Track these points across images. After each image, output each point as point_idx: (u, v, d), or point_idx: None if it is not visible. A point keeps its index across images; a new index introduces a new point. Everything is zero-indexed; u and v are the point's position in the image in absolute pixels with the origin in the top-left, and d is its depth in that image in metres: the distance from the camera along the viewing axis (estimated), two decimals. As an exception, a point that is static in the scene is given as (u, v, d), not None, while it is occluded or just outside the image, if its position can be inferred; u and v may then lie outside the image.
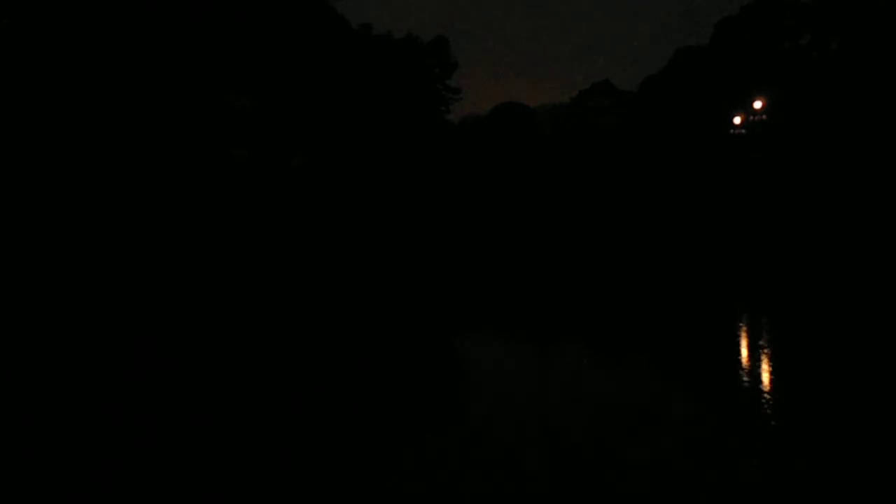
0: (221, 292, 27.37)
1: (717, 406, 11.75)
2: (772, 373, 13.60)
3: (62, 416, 10.82)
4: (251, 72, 44.59)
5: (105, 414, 10.96)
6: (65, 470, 8.73)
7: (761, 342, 17.23)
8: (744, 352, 16.05)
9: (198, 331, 19.01)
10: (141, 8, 36.63)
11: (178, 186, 37.47)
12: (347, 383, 13.18)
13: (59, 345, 16.41)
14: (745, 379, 13.24)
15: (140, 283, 28.13)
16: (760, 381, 13.00)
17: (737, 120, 55.43)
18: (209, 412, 11.21)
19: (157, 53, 37.13)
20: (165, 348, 16.29)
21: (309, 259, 40.35)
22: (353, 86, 52.48)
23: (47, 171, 31.62)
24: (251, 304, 24.54)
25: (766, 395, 12.04)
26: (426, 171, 59.72)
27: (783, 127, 50.45)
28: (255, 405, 11.59)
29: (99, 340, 17.01)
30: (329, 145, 50.87)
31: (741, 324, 20.82)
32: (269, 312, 22.53)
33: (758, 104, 52.96)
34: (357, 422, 10.76)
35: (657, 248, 49.10)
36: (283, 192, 45.79)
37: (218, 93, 42.30)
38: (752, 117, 54.63)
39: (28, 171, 30.98)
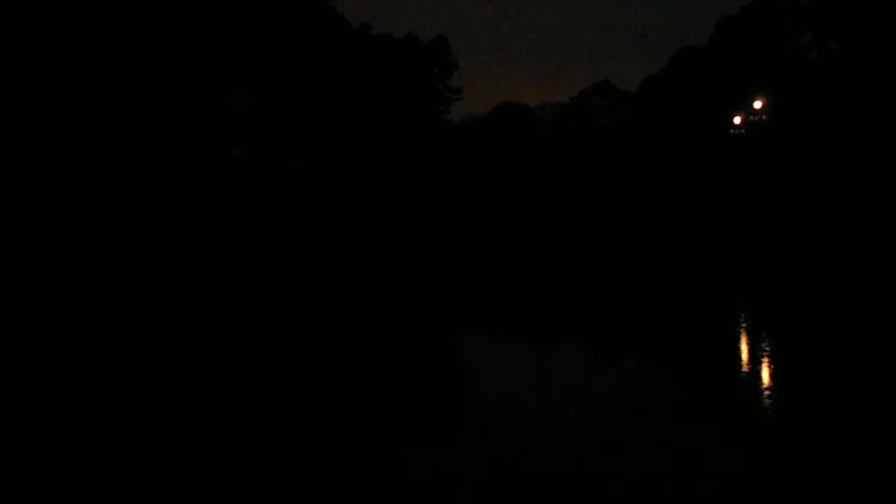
0: (221, 291, 27.34)
1: (717, 411, 11.73)
2: (771, 376, 13.58)
3: (61, 416, 10.80)
4: (251, 71, 44.54)
5: (104, 413, 10.94)
6: (64, 469, 8.71)
7: (761, 344, 17.20)
8: (744, 354, 16.02)
9: (198, 330, 18.98)
10: (142, 7, 36.60)
11: (178, 186, 37.44)
12: (347, 385, 13.16)
13: (59, 344, 16.38)
14: (745, 383, 13.21)
15: (140, 282, 28.09)
16: (760, 385, 12.98)
17: (737, 120, 55.39)
18: (208, 411, 11.19)
19: (157, 53, 37.09)
20: (165, 348, 16.26)
21: (309, 259, 40.32)
22: (352, 86, 52.42)
23: (48, 170, 31.59)
24: (251, 303, 24.51)
25: (765, 401, 12.02)
26: (426, 171, 59.64)
27: (783, 127, 50.40)
28: (252, 406, 11.56)
29: (99, 339, 16.98)
30: (328, 145, 50.81)
31: (741, 325, 20.79)
32: (269, 312, 22.51)
33: (758, 104, 52.91)
34: (356, 425, 10.74)
35: (657, 247, 49.07)
36: (283, 192, 45.75)
37: (218, 92, 42.26)
38: (752, 117, 54.59)
39: (28, 170, 30.95)
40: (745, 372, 14.04)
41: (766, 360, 15.11)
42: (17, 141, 30.98)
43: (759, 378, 13.48)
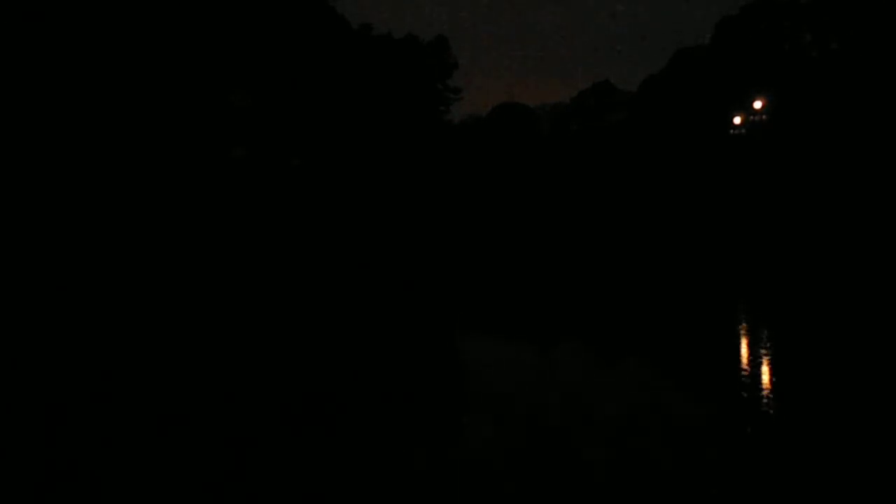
0: (220, 291, 27.35)
1: (718, 414, 11.73)
2: (771, 376, 13.58)
3: (59, 416, 10.80)
4: (251, 71, 44.55)
5: (103, 412, 10.94)
6: (62, 469, 8.72)
7: (760, 344, 17.21)
8: (743, 356, 16.01)
9: (197, 330, 18.98)
10: (142, 7, 36.62)
11: (178, 185, 37.45)
12: (346, 386, 13.16)
13: (57, 343, 16.38)
14: (744, 386, 13.20)
15: (139, 282, 28.10)
16: (760, 388, 12.98)
17: (737, 120, 55.42)
18: (208, 410, 11.19)
19: (157, 52, 37.10)
20: (165, 347, 16.26)
21: (309, 259, 40.33)
22: (352, 86, 52.44)
23: (48, 169, 31.60)
24: (251, 303, 24.52)
25: (765, 400, 12.02)
26: (426, 171, 59.67)
27: (783, 127, 50.42)
28: (252, 405, 11.56)
29: (99, 338, 16.99)
30: (328, 145, 50.83)
31: (741, 325, 20.79)
32: (269, 311, 22.51)
33: (758, 104, 52.94)
34: (355, 424, 10.74)
35: (657, 247, 49.08)
36: (283, 192, 45.76)
37: (218, 92, 42.28)
38: (752, 117, 54.61)
39: (28, 170, 30.96)
40: (744, 373, 14.03)
41: (765, 360, 15.12)
42: (17, 141, 31.00)
43: (759, 377, 13.48)
